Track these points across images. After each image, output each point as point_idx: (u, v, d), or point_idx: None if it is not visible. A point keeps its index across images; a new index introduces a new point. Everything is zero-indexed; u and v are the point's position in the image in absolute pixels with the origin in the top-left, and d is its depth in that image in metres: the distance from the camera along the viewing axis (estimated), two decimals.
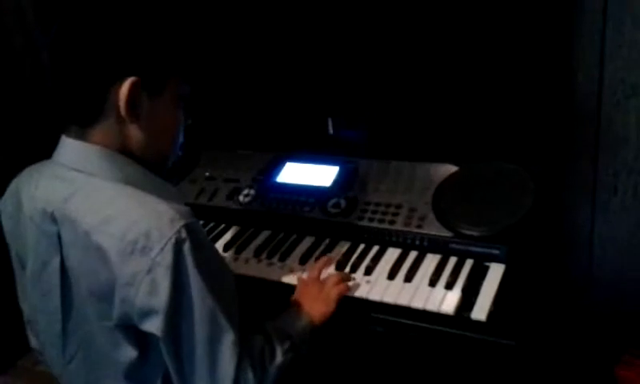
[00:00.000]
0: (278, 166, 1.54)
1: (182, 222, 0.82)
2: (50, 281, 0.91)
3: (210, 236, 1.42)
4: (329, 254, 1.27)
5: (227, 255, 1.34)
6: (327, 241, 1.33)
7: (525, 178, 1.27)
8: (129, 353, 0.87)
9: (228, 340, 0.85)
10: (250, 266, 1.29)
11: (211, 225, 1.48)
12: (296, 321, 1.03)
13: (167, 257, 0.80)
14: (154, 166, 0.94)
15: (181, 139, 0.98)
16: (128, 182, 0.88)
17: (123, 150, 0.90)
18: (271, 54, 1.59)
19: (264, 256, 1.31)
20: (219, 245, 1.38)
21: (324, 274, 1.19)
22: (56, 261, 0.89)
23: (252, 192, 1.48)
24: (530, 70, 1.31)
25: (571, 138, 1.43)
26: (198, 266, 0.82)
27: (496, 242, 1.17)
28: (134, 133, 0.89)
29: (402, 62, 1.44)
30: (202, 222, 1.47)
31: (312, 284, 1.14)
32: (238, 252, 1.34)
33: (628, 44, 1.30)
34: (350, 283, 1.16)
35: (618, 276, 1.51)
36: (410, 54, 1.42)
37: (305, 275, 1.20)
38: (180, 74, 0.93)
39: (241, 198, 1.48)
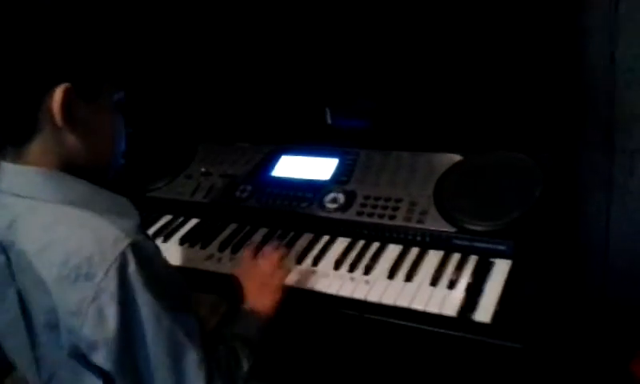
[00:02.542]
0: (274, 159, 1.49)
1: (126, 242, 0.78)
2: (12, 310, 0.87)
3: (207, 234, 1.38)
4: (327, 252, 1.24)
5: (224, 254, 1.30)
6: (326, 238, 1.29)
7: (532, 166, 1.21)
8: (93, 383, 0.83)
9: (191, 358, 0.82)
10: None
11: (208, 223, 1.44)
12: (251, 323, 1.02)
13: (112, 282, 0.76)
14: (96, 176, 0.89)
15: (122, 147, 0.95)
16: (69, 201, 0.83)
17: (63, 166, 0.85)
18: (266, 43, 1.54)
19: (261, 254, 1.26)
20: (216, 243, 1.34)
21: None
22: (12, 290, 0.86)
23: (248, 188, 1.44)
24: (535, 51, 1.24)
25: (582, 121, 1.37)
26: (147, 285, 0.78)
27: (502, 237, 1.12)
28: (73, 142, 0.85)
29: (401, 48, 1.38)
30: (198, 220, 1.46)
31: (252, 274, 1.13)
32: (234, 251, 1.31)
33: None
34: (289, 266, 1.20)
35: (636, 264, 1.45)
36: (411, 40, 1.36)
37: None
38: (112, 79, 0.90)
39: (237, 194, 1.44)
